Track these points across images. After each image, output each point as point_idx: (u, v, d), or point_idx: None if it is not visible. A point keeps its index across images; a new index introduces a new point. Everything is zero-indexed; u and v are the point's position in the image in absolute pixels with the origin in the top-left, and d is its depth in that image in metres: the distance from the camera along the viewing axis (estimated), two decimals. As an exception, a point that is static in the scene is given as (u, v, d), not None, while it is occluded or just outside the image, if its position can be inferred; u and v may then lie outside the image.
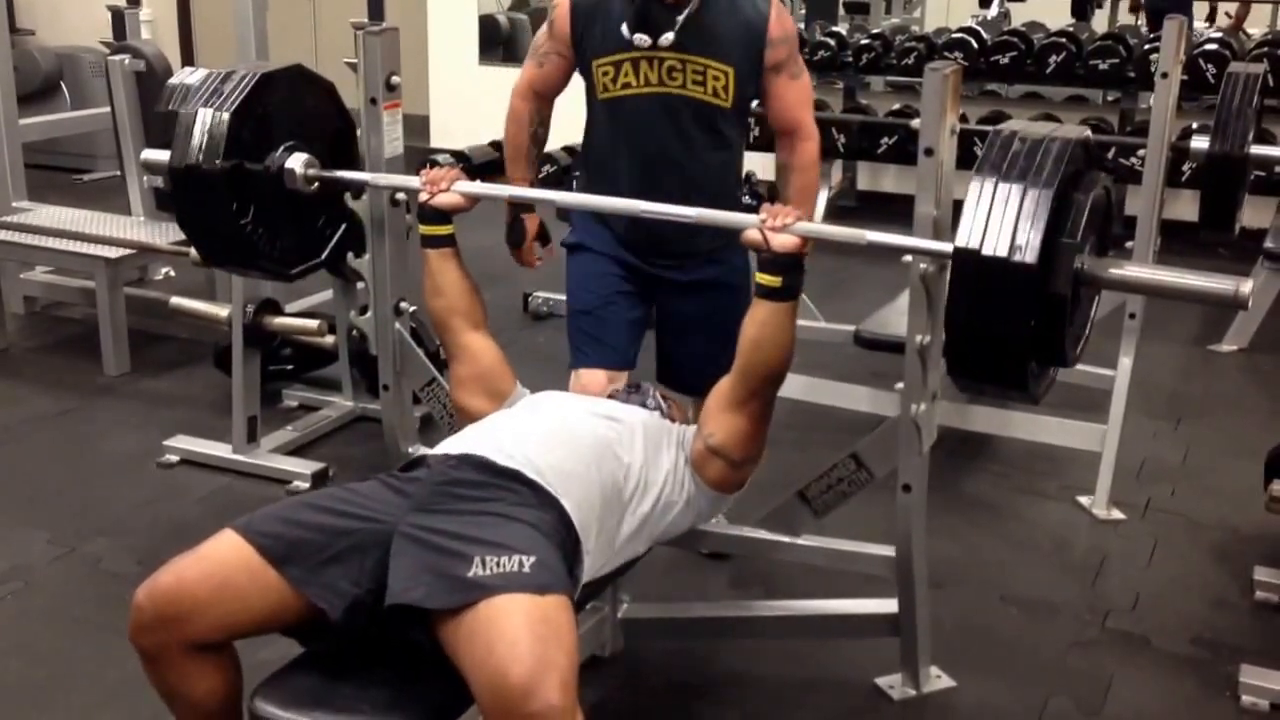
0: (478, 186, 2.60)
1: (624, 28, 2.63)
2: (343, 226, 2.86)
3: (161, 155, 2.65)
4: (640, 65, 2.68)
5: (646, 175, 2.73)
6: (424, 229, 2.55)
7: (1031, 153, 1.97)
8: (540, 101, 2.89)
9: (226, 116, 2.52)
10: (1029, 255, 1.91)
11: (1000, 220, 1.93)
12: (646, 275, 2.87)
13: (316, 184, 2.66)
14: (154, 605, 1.85)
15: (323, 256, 2.85)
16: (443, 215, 2.53)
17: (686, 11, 2.60)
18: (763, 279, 2.23)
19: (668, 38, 2.61)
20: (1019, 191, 1.94)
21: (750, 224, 2.26)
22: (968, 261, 1.96)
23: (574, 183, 3.08)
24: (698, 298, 2.88)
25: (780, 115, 2.78)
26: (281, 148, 2.63)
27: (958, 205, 2.09)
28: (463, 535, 1.87)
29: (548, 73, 2.84)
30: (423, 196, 2.54)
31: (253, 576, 1.87)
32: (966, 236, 1.96)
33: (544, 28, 2.82)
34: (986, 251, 1.94)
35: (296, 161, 2.63)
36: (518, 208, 2.91)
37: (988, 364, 2.06)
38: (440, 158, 6.24)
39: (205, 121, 2.53)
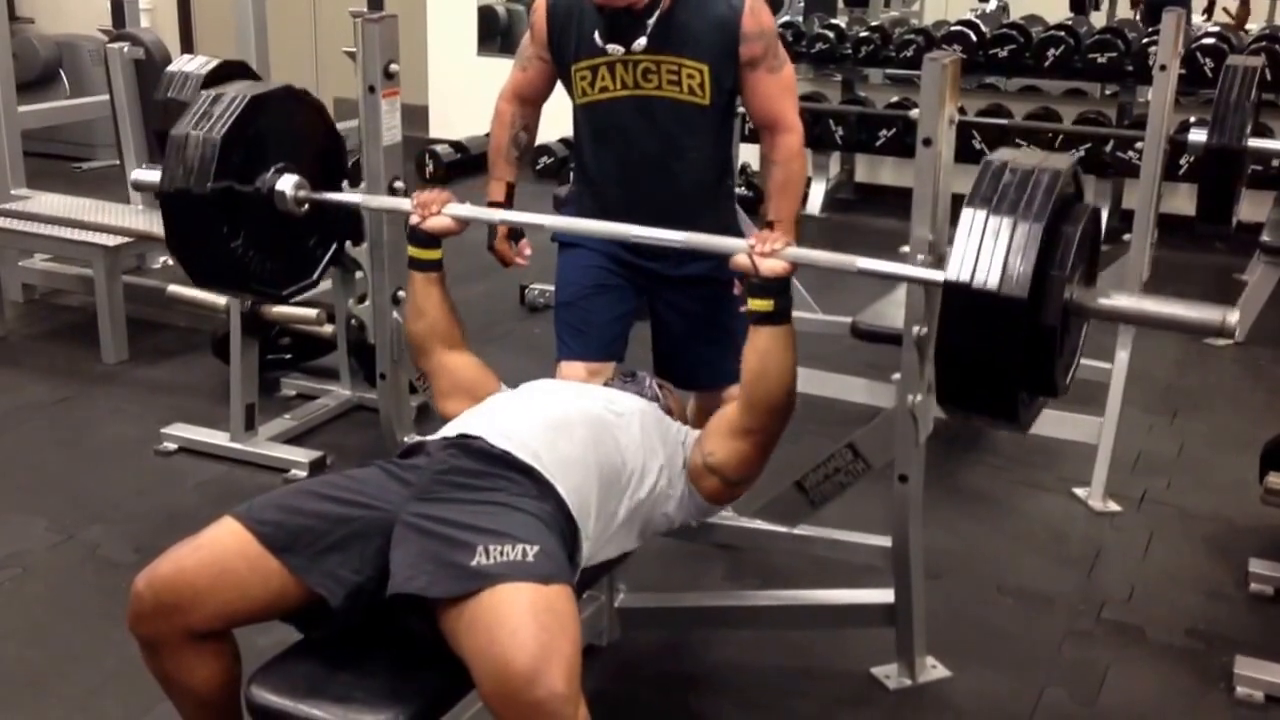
0: (469, 210, 2.54)
1: (597, 36, 2.64)
2: (334, 247, 2.85)
3: (152, 175, 2.63)
4: (616, 69, 2.68)
5: (631, 177, 2.73)
6: (413, 252, 2.49)
7: (1022, 184, 1.97)
8: (523, 106, 2.90)
9: (216, 139, 2.49)
10: (1019, 288, 1.91)
11: (991, 252, 1.93)
12: (639, 269, 2.86)
13: (307, 205, 2.64)
14: (153, 594, 1.85)
15: (314, 277, 2.84)
16: (433, 239, 2.48)
17: (656, 15, 2.60)
18: (755, 305, 2.22)
19: (640, 43, 2.61)
20: (1009, 224, 1.94)
21: (739, 249, 2.24)
22: (959, 293, 1.96)
23: (570, 176, 3.07)
24: (691, 292, 2.87)
25: (759, 109, 2.77)
26: (272, 169, 2.60)
27: (956, 200, 2.10)
28: (466, 524, 1.87)
29: (531, 77, 2.85)
30: (413, 219, 2.48)
31: (252, 565, 1.87)
32: (958, 268, 1.96)
33: (527, 33, 2.83)
34: (977, 283, 1.94)
35: (287, 184, 2.60)
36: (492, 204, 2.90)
37: (978, 394, 2.05)
38: (438, 149, 6.27)
39: (195, 144, 2.50)
